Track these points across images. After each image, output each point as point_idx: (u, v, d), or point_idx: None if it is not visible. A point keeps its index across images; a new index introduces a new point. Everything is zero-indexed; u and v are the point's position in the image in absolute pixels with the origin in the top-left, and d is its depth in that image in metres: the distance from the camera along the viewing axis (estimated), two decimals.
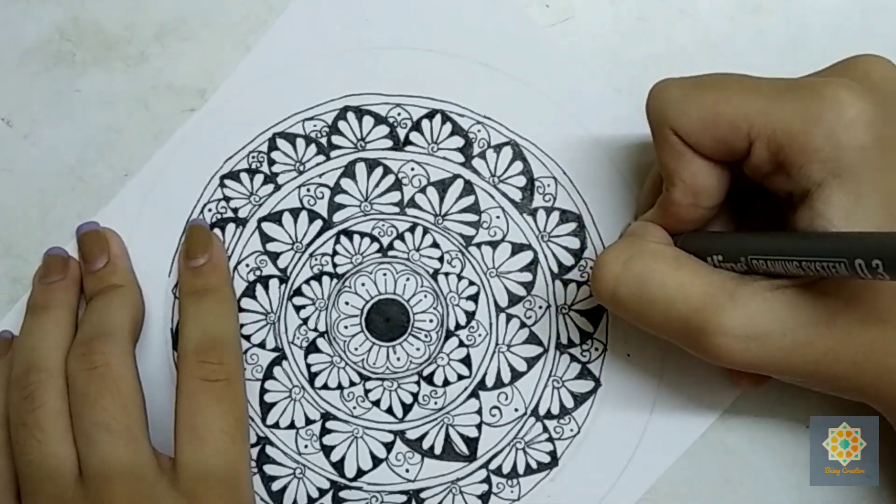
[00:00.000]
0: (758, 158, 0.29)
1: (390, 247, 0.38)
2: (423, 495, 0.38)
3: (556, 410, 0.37)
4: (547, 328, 0.38)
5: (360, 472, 0.38)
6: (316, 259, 0.38)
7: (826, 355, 0.29)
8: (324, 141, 0.38)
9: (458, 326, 0.38)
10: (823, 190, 0.28)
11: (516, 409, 0.37)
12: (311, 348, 0.38)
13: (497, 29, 0.38)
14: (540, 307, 0.38)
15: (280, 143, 0.38)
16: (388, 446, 0.38)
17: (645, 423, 0.37)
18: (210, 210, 0.38)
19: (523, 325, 0.38)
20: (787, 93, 0.29)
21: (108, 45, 0.38)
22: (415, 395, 0.38)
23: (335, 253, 0.38)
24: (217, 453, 0.33)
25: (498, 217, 0.38)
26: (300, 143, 0.38)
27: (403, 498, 0.38)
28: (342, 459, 0.38)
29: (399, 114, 0.38)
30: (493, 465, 0.37)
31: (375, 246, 0.38)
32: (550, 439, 0.37)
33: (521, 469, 0.37)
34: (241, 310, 0.38)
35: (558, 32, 0.38)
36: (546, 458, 0.37)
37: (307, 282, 0.38)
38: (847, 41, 0.37)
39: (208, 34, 0.38)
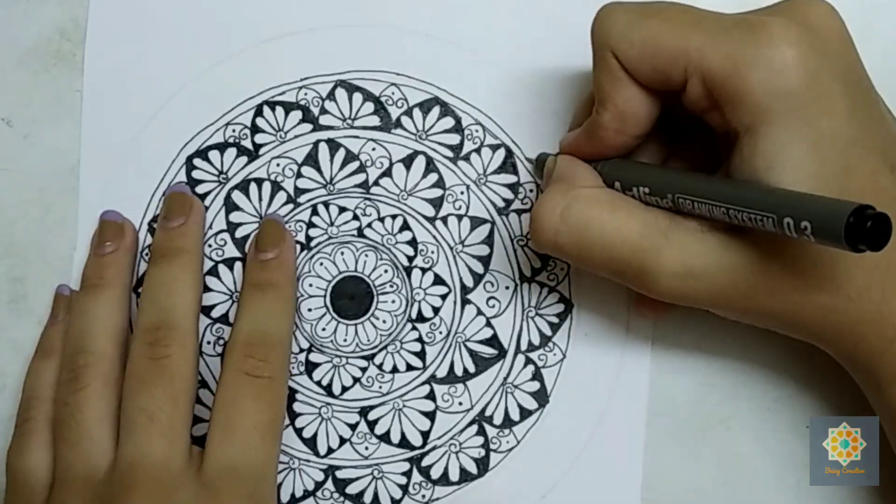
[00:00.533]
0: (693, 94, 0.30)
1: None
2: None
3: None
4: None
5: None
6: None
7: (760, 292, 0.30)
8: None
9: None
10: (751, 135, 0.29)
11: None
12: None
13: None
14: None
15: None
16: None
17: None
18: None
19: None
20: (727, 31, 0.29)
21: None
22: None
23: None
24: (245, 449, 0.34)
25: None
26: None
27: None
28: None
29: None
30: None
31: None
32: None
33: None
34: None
35: None
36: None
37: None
38: None
39: None
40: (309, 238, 0.38)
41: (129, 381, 0.34)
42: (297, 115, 0.38)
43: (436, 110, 0.38)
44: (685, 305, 0.31)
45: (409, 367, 0.38)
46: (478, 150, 0.38)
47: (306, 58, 0.38)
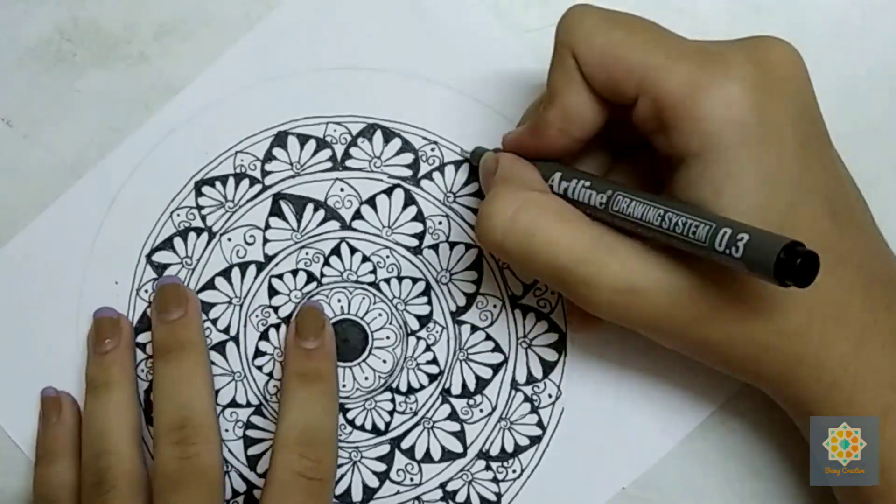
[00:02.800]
0: (643, 112, 0.30)
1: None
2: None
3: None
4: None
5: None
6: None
7: (698, 320, 0.30)
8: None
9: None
10: (699, 161, 0.29)
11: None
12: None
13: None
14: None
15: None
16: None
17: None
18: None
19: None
20: (687, 56, 0.29)
21: (108, 45, 0.38)
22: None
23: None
24: None
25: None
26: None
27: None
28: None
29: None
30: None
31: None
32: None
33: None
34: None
35: None
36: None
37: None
38: (847, 41, 0.37)
39: (208, 34, 0.38)
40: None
41: (160, 481, 0.34)
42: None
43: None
44: (622, 325, 0.31)
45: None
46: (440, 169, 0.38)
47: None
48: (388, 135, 0.38)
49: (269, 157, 0.38)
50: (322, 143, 0.38)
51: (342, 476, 0.37)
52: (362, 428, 0.38)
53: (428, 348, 0.37)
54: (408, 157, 0.38)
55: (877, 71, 0.37)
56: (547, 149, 0.32)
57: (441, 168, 0.38)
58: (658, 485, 0.37)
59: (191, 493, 0.34)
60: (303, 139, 0.38)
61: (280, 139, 0.38)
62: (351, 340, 0.38)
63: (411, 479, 0.37)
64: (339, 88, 0.38)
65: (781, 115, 0.29)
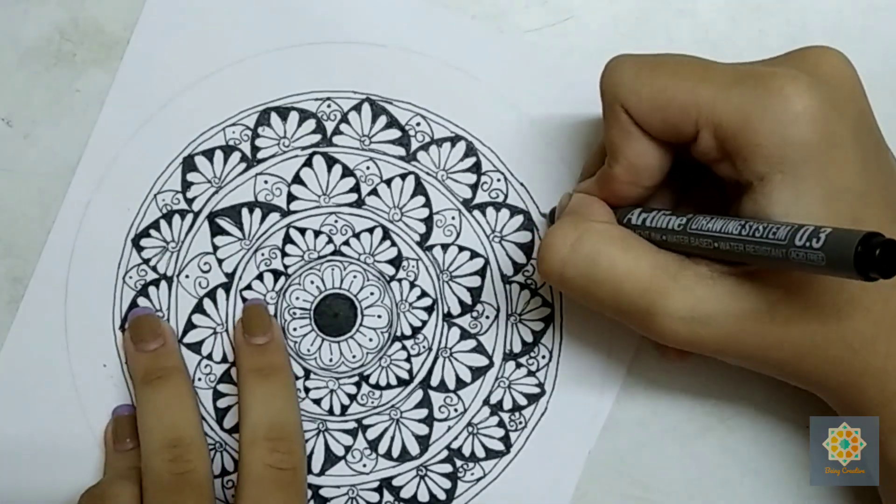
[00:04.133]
0: (704, 145, 0.30)
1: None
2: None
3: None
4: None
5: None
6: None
7: (766, 341, 0.29)
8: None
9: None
10: (766, 184, 0.29)
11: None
12: None
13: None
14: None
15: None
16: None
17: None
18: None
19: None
20: (737, 83, 0.29)
21: (108, 45, 0.38)
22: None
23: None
24: None
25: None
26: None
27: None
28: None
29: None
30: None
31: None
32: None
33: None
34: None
35: (558, 32, 0.38)
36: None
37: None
38: (847, 41, 0.37)
39: None
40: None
41: (152, 490, 0.34)
42: (310, 124, 0.38)
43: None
44: (688, 350, 0.31)
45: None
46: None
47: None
48: (267, 114, 0.38)
49: (186, 182, 0.38)
50: (229, 150, 0.38)
51: (392, 438, 0.38)
52: (388, 386, 0.38)
53: (412, 285, 0.38)
54: (311, 125, 0.38)
55: (877, 71, 0.37)
56: (619, 200, 0.32)
57: (345, 118, 0.38)
58: (658, 485, 0.37)
59: (184, 497, 0.34)
60: (209, 154, 0.38)
61: (187, 164, 0.38)
62: (341, 313, 0.38)
63: (455, 410, 0.38)
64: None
65: (839, 128, 0.29)
